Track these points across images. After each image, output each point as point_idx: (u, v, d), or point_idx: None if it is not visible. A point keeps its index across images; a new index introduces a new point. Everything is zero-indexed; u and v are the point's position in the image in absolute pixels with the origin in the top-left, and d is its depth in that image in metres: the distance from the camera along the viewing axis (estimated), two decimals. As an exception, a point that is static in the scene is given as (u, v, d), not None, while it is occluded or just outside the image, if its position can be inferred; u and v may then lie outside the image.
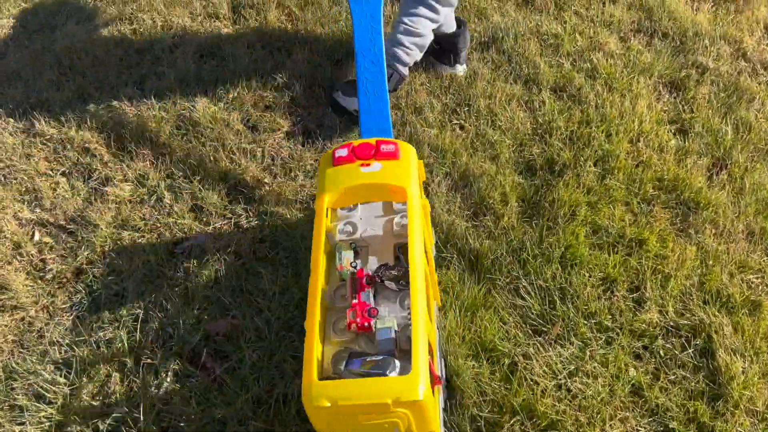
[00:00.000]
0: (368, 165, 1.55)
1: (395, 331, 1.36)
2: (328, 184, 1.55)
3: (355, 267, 1.51)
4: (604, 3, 2.75)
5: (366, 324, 1.38)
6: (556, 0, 2.76)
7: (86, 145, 2.22)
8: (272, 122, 2.30)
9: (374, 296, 1.46)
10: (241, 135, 2.26)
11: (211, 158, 2.19)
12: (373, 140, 1.59)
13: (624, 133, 2.25)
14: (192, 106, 2.33)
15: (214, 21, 2.68)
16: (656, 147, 2.22)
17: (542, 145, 2.24)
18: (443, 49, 2.43)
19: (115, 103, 2.36)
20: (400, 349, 1.35)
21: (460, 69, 2.48)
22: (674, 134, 2.28)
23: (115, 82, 2.42)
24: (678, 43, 2.60)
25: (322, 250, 1.46)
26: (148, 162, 2.18)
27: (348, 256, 1.53)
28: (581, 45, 2.57)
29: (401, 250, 1.56)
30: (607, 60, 2.52)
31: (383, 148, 1.57)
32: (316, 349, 1.31)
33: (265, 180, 2.15)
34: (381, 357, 1.30)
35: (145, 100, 2.36)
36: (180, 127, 2.28)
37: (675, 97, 2.41)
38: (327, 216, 1.53)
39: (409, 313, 1.38)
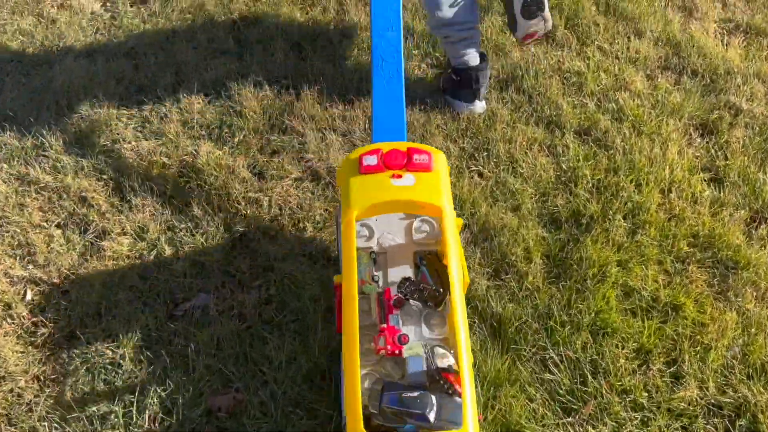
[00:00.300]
0: (399, 177, 1.43)
1: (425, 358, 1.33)
2: (355, 196, 1.42)
3: (377, 281, 1.44)
4: (629, 38, 2.62)
5: (396, 351, 1.33)
6: (578, 35, 2.63)
7: (83, 194, 2.10)
8: (280, 168, 2.18)
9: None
10: (247, 183, 2.13)
11: (215, 208, 2.06)
12: (403, 146, 1.47)
13: (654, 183, 2.11)
14: (195, 150, 2.21)
15: (219, 56, 2.55)
16: (689, 198, 2.08)
17: (567, 194, 2.10)
18: (463, 84, 2.30)
19: (114, 147, 2.23)
20: (430, 377, 1.30)
21: (479, 106, 2.34)
22: (708, 183, 2.14)
23: (115, 124, 2.30)
24: (708, 81, 2.46)
25: (356, 279, 1.34)
26: (147, 213, 2.05)
27: (369, 268, 1.47)
28: (606, 83, 2.44)
29: (423, 261, 1.49)
30: (633, 100, 2.38)
31: (416, 158, 1.45)
32: (359, 396, 1.24)
33: (272, 233, 2.02)
34: (417, 393, 1.26)
35: (146, 144, 2.24)
36: (182, 175, 2.16)
37: (707, 142, 2.27)
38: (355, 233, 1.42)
39: (436, 334, 1.39)
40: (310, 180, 2.16)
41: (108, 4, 2.82)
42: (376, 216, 1.53)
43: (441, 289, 1.42)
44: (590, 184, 2.12)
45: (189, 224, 2.02)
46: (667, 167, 2.15)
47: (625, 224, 2.00)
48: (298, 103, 2.36)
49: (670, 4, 2.76)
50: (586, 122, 2.31)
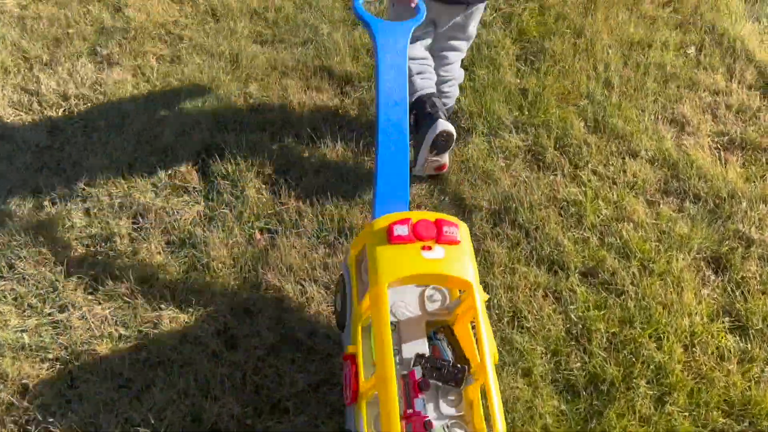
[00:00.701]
0: (430, 249, 1.43)
1: None
2: (385, 266, 1.41)
3: (396, 353, 1.45)
4: (623, 158, 2.46)
5: None
6: (569, 156, 2.47)
7: (23, 381, 1.79)
8: (254, 334, 1.91)
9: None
10: (218, 356, 1.85)
11: (181, 393, 1.77)
12: (432, 216, 1.48)
13: (674, 336, 1.90)
14: (157, 318, 1.93)
15: (183, 195, 2.30)
16: (714, 353, 1.88)
17: (580, 352, 1.88)
18: (420, 119, 2.19)
19: (61, 316, 1.94)
20: None
21: (442, 123, 2.14)
22: (731, 332, 1.95)
23: (63, 286, 2.01)
24: (712, 206, 2.31)
25: (392, 358, 1.30)
26: (100, 404, 1.74)
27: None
28: (606, 214, 2.26)
29: (437, 335, 1.51)
30: (637, 231, 2.21)
31: (446, 231, 1.46)
32: None
33: (248, 421, 1.73)
34: None
35: (99, 309, 1.95)
36: (141, 348, 1.87)
37: (722, 280, 2.09)
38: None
39: (455, 411, 1.42)
40: (288, 346, 1.90)
41: (56, 133, 2.55)
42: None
43: (459, 366, 1.42)
44: (605, 339, 1.90)
45: (148, 416, 1.72)
46: (686, 316, 1.95)
47: (650, 391, 1.78)
48: (274, 250, 2.11)
49: (660, 117, 2.64)
50: (590, 261, 2.12)
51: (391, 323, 1.45)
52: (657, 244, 2.17)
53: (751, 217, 2.26)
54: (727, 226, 2.23)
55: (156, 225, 2.19)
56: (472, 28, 2.32)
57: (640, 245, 2.15)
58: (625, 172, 2.41)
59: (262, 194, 2.31)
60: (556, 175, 2.40)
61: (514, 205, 2.27)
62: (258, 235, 2.17)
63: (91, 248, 2.13)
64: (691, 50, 2.94)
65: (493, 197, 2.31)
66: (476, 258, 2.09)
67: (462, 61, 2.49)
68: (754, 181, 2.39)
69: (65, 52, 2.85)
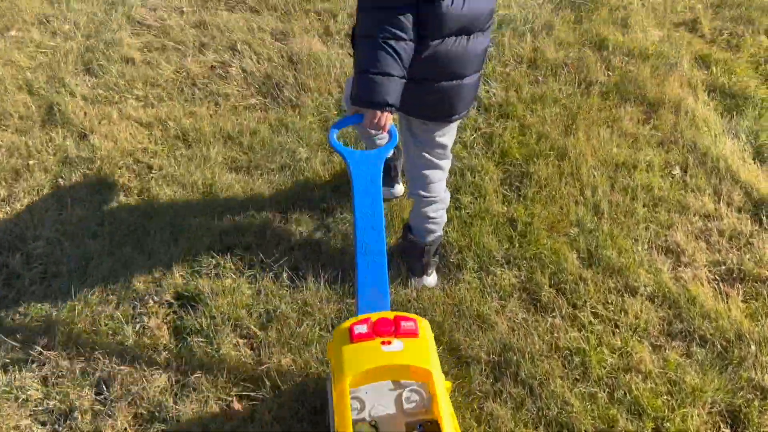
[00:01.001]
0: (389, 343, 1.50)
1: None
2: (347, 363, 1.48)
3: None
4: (622, 295, 2.35)
5: None
6: (567, 296, 2.34)
7: None
8: None
9: None
10: None
11: None
12: (390, 314, 1.55)
13: None
14: None
15: (153, 356, 2.09)
16: None
17: None
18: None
19: None
20: None
21: (398, 189, 2.52)
22: (761, 507, 1.79)
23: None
24: (720, 349, 2.19)
25: None
26: None
27: None
28: (612, 363, 2.12)
29: (422, 427, 1.57)
30: (646, 383, 2.06)
31: (404, 325, 1.53)
32: None
33: None
34: None
35: None
36: None
37: (742, 439, 1.95)
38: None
39: None
40: None
41: (12, 281, 2.34)
42: (366, 388, 1.58)
43: None
44: None
45: None
46: (712, 489, 1.79)
47: None
48: (253, 424, 1.90)
49: (654, 245, 2.55)
50: (601, 422, 1.96)
51: (372, 425, 1.57)
52: (668, 398, 2.03)
53: (762, 362, 2.14)
54: (739, 373, 2.11)
55: (122, 395, 1.97)
56: (449, 141, 2.19)
57: (651, 401, 2.00)
58: (625, 312, 2.28)
59: (240, 351, 2.11)
60: (554, 317, 2.26)
61: (514, 357, 2.11)
62: (236, 405, 1.97)
63: (49, 426, 1.90)
64: (677, 171, 2.90)
65: (491, 345, 2.16)
66: (479, 423, 1.94)
67: (446, 181, 2.35)
68: (759, 319, 2.29)
69: (25, 187, 2.68)
